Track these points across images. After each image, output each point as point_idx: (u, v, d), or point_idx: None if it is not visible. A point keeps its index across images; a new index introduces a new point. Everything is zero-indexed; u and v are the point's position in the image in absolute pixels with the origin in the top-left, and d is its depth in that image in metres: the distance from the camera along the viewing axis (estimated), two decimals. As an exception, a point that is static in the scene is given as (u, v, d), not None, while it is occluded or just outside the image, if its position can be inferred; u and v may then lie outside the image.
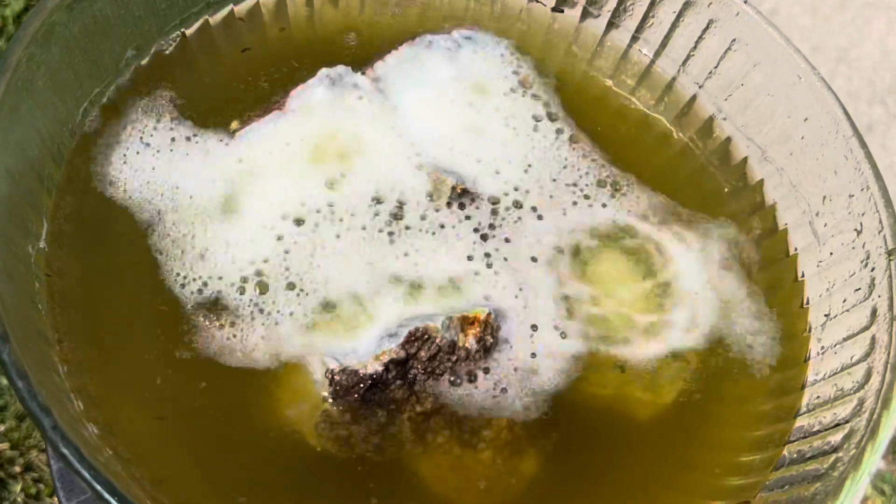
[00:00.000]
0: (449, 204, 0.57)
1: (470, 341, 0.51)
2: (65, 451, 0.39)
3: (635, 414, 0.53)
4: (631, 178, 0.61)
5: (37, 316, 0.48)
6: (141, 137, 0.56)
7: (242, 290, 0.52)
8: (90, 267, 0.52)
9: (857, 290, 0.54)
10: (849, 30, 1.55)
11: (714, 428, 0.54)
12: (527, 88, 0.63)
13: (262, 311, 0.51)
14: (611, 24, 0.66)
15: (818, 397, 0.53)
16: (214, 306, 0.51)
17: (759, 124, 0.63)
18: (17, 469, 0.99)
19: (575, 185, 0.60)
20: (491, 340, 0.52)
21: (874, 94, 1.50)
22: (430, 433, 0.50)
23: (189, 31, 0.61)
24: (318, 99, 0.58)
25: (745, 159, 0.64)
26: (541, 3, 0.67)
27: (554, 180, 0.60)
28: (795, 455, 0.51)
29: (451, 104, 0.61)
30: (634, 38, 0.66)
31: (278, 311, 0.52)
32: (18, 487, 0.98)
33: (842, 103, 0.58)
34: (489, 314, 0.52)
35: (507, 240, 0.56)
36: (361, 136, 0.58)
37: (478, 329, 0.52)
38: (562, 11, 0.67)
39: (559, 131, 0.62)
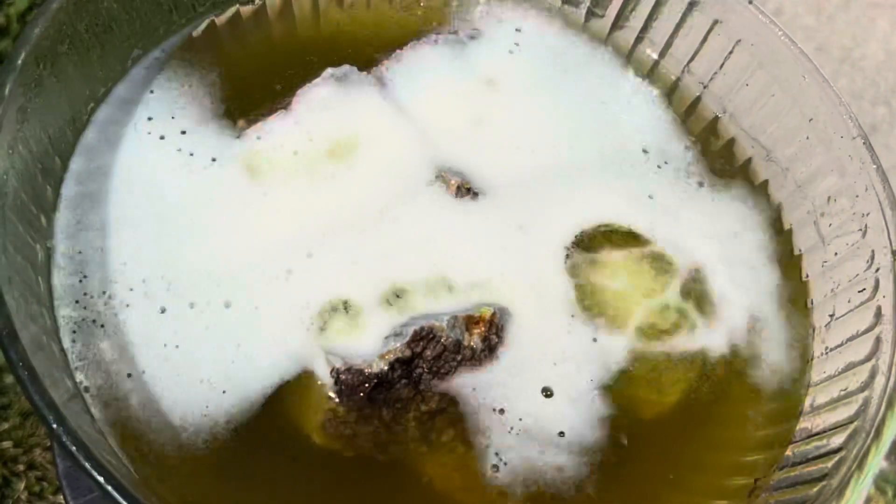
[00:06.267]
0: (454, 201, 0.57)
1: (475, 340, 0.51)
2: (72, 448, 0.39)
3: (641, 413, 0.53)
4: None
5: (44, 314, 0.48)
6: (147, 136, 0.56)
7: (246, 289, 0.52)
8: (96, 265, 0.52)
9: (861, 290, 0.54)
10: (853, 30, 1.55)
11: (718, 428, 0.54)
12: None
13: (266, 308, 0.52)
14: (616, 25, 0.66)
15: (822, 398, 0.53)
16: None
17: (763, 124, 0.63)
18: (21, 467, 0.99)
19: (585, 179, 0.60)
20: (496, 340, 0.52)
21: (878, 95, 1.50)
22: (434, 432, 0.50)
23: (195, 32, 0.61)
24: (323, 98, 0.58)
25: (749, 159, 0.64)
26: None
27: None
28: (800, 455, 0.51)
29: (456, 102, 0.61)
30: (639, 39, 0.66)
31: (282, 310, 0.52)
32: (22, 485, 0.99)
33: (846, 104, 0.58)
34: (494, 313, 0.52)
35: (513, 238, 0.56)
36: (367, 135, 0.58)
37: (483, 328, 0.52)
38: None
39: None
